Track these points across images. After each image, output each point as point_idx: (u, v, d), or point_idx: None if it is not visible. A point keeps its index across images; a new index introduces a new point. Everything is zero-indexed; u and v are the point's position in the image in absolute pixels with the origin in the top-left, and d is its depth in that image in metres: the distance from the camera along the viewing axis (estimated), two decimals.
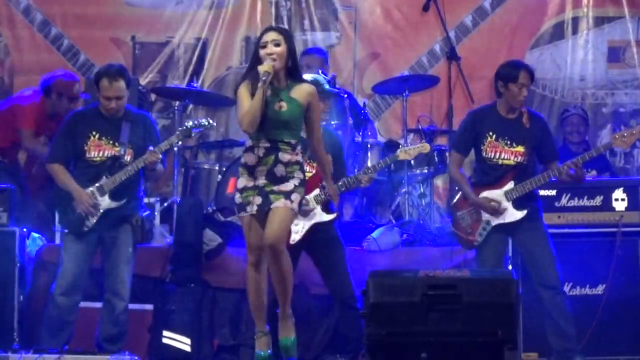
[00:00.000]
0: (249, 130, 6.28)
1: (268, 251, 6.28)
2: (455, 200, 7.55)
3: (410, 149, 7.75)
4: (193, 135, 7.56)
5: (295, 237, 7.30)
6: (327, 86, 7.62)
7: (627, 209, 7.81)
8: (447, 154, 9.02)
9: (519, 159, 7.32)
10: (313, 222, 7.35)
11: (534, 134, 7.36)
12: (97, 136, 7.37)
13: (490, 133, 7.35)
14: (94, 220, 7.32)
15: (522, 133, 7.33)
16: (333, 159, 7.43)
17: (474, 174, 7.58)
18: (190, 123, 7.47)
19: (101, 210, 7.32)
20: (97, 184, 7.33)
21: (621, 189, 7.87)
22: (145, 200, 8.62)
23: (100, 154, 7.36)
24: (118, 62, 10.03)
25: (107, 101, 7.33)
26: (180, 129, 7.50)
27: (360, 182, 7.42)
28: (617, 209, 7.82)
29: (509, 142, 7.33)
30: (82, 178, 7.38)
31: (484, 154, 7.37)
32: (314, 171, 7.36)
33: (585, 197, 7.88)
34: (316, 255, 7.43)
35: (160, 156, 7.35)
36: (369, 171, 7.50)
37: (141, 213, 7.47)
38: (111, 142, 7.37)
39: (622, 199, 7.84)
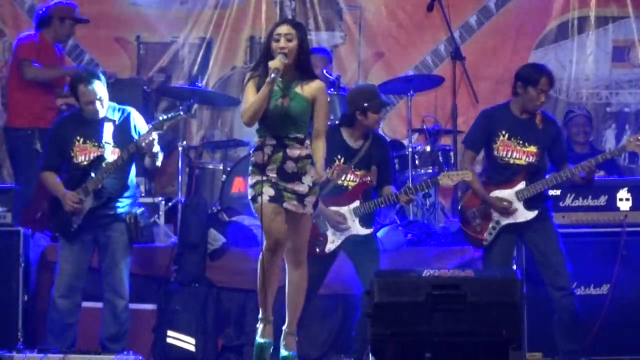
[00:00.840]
0: (249, 124, 6.22)
1: (290, 257, 6.34)
2: (465, 198, 7.53)
3: (453, 175, 7.37)
4: (165, 128, 7.48)
5: (330, 247, 7.31)
6: (383, 97, 7.52)
7: (631, 208, 7.82)
8: (451, 153, 9.01)
9: (531, 159, 7.31)
10: (349, 234, 7.33)
11: (547, 135, 7.35)
12: (81, 140, 7.40)
13: (503, 132, 7.33)
14: (79, 220, 7.32)
15: (535, 134, 7.33)
16: (379, 166, 7.37)
17: (484, 172, 7.56)
18: (164, 116, 7.42)
19: (86, 209, 7.32)
20: (83, 185, 7.34)
21: (625, 188, 7.88)
22: (150, 199, 8.64)
23: (87, 157, 7.39)
24: (121, 61, 10.14)
25: (89, 105, 7.35)
26: (152, 123, 7.45)
27: (399, 201, 7.39)
28: (621, 209, 7.84)
29: (521, 142, 7.32)
30: (72, 181, 7.40)
31: (496, 153, 7.36)
32: (358, 180, 7.32)
33: (590, 197, 7.89)
34: (353, 260, 7.41)
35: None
36: (411, 192, 7.34)
37: (135, 210, 7.47)
38: (95, 144, 7.38)
39: (627, 199, 7.84)
